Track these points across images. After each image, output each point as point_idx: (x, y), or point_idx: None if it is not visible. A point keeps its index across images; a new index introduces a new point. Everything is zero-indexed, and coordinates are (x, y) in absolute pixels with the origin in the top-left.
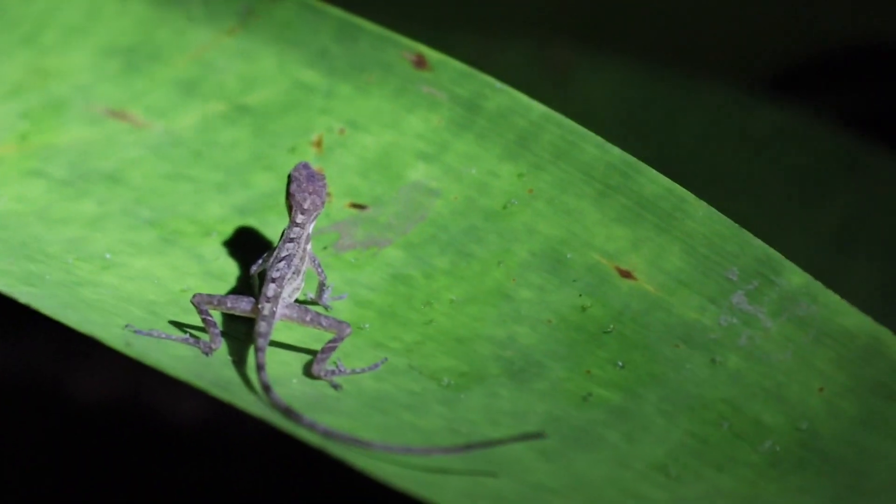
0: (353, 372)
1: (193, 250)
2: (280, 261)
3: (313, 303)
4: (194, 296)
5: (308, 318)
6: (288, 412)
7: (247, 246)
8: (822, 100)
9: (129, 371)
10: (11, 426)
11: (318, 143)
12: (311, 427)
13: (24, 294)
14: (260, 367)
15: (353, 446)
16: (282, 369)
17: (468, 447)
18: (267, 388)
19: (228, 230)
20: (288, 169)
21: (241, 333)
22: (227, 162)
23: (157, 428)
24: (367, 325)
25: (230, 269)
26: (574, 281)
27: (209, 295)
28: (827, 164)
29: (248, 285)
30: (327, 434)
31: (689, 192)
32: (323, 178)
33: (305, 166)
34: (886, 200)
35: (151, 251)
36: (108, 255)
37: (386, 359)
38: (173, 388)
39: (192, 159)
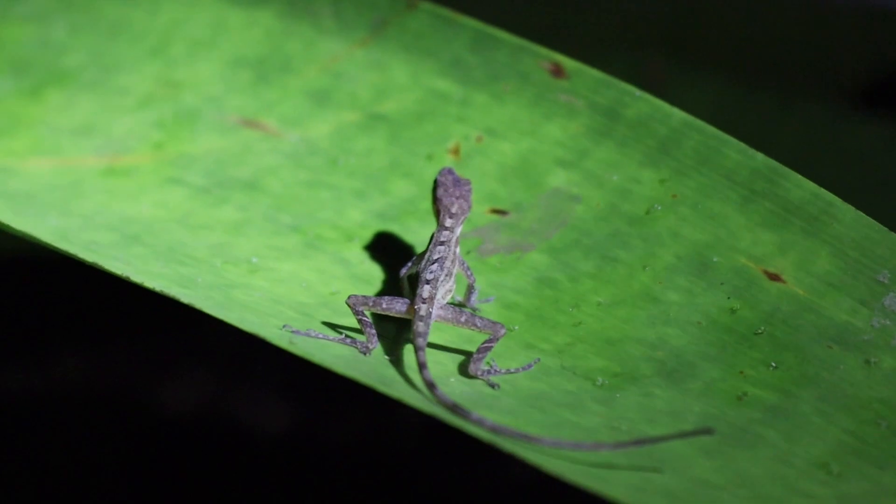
0: (508, 372)
1: (338, 255)
2: (433, 263)
3: (461, 305)
4: (349, 297)
5: (463, 319)
6: (455, 408)
7: (390, 250)
8: None
9: (213, 384)
10: (100, 438)
11: (456, 151)
12: (480, 423)
13: (183, 295)
14: (422, 366)
15: (522, 442)
16: (438, 369)
17: (638, 442)
18: (431, 385)
19: (370, 235)
20: (426, 176)
21: (391, 333)
22: (365, 169)
23: (241, 439)
24: (516, 327)
25: (375, 273)
26: (721, 284)
27: (364, 296)
28: None
29: (395, 288)
30: (495, 430)
31: (836, 197)
32: (468, 182)
33: (450, 171)
34: None
35: (297, 255)
36: (254, 259)
37: (538, 359)
38: (257, 401)
39: (329, 167)
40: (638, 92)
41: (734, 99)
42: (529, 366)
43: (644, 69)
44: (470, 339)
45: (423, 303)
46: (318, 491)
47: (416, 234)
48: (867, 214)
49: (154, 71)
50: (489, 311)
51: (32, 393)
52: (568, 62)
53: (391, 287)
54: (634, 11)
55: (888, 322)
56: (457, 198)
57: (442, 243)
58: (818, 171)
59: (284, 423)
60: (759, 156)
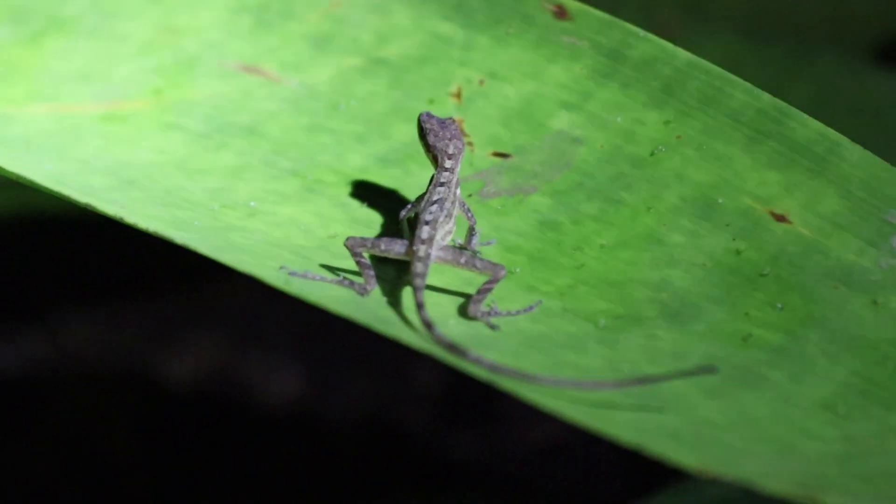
0: (509, 314)
1: (337, 198)
2: (432, 204)
3: (462, 247)
4: (347, 239)
5: (462, 260)
6: (452, 348)
7: (390, 194)
8: None
9: (223, 348)
10: (105, 408)
11: (458, 94)
12: (478, 361)
13: (178, 236)
14: (420, 306)
15: (521, 380)
16: (438, 311)
17: (639, 381)
18: (429, 325)
19: (370, 179)
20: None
21: (391, 276)
22: (366, 114)
23: (248, 408)
24: (517, 270)
25: (375, 217)
26: (727, 225)
27: (362, 238)
28: None
29: (395, 231)
30: (493, 368)
31: (843, 137)
32: (454, 121)
33: (430, 115)
34: None
35: (295, 199)
36: (252, 203)
37: (540, 301)
38: (264, 369)
39: (330, 112)
40: (642, 33)
41: (747, 52)
42: (531, 308)
43: (655, 22)
44: (470, 281)
45: (422, 244)
46: (330, 455)
47: (417, 177)
48: None
49: (154, 17)
50: (491, 253)
51: (40, 359)
52: (571, 3)
53: (391, 230)
54: None
55: None
56: (449, 139)
57: (442, 184)
58: (834, 125)
59: (295, 387)
60: (765, 96)
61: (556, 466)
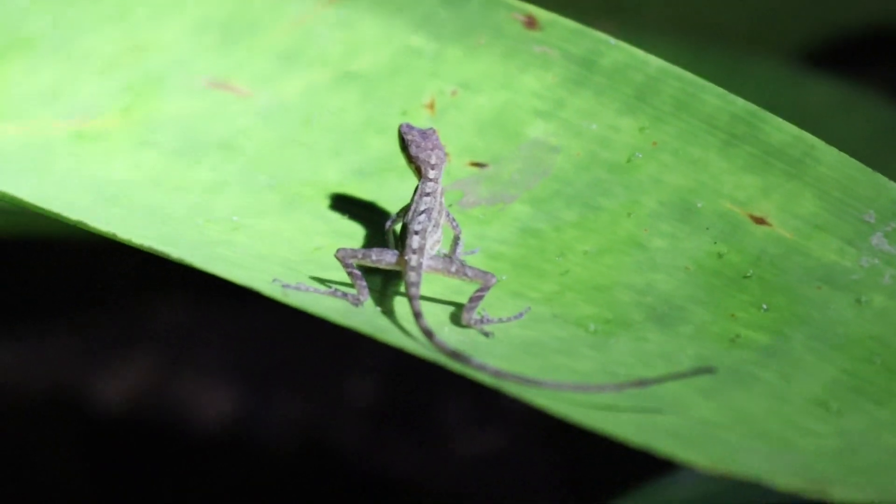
0: (500, 320)
1: (317, 212)
2: (420, 214)
3: (449, 257)
4: (338, 250)
5: (453, 269)
6: (455, 355)
7: (369, 206)
8: (868, 74)
9: (151, 373)
10: (35, 430)
11: (431, 106)
12: (482, 368)
13: (173, 252)
14: (418, 315)
15: (524, 385)
16: (431, 319)
17: (639, 383)
18: (429, 333)
19: (349, 192)
20: None
21: (377, 286)
22: (339, 127)
23: (181, 429)
24: (504, 277)
25: (357, 229)
26: (707, 229)
27: (353, 249)
28: (878, 136)
29: (379, 241)
30: (498, 374)
31: (818, 139)
32: (434, 131)
33: (410, 127)
34: None
35: (276, 213)
36: (234, 218)
37: (529, 307)
38: (196, 389)
39: (303, 126)
40: (613, 41)
41: (682, 60)
42: (521, 314)
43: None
44: (458, 290)
45: (414, 253)
46: (266, 474)
47: (395, 189)
48: None
49: (117, 35)
50: (475, 262)
51: None
52: (541, 13)
53: (374, 241)
54: None
55: (877, 261)
56: (431, 149)
57: (427, 194)
58: None
59: (229, 407)
60: (739, 100)
61: (493, 479)
